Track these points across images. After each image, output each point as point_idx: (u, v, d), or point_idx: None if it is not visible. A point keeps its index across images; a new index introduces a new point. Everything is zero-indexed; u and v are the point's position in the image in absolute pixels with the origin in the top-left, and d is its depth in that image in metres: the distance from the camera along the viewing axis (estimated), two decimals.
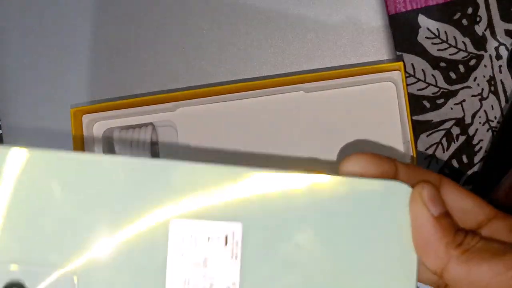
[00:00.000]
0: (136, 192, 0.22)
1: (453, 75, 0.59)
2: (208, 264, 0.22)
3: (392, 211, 0.23)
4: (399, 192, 0.23)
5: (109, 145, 0.43)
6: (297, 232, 0.23)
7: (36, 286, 0.20)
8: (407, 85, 0.58)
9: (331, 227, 0.23)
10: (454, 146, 0.59)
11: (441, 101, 0.59)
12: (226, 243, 0.22)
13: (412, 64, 0.59)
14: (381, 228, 0.23)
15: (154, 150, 0.42)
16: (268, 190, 0.23)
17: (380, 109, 0.40)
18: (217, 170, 0.23)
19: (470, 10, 0.59)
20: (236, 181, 0.22)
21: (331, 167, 0.32)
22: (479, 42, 0.59)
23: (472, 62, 0.59)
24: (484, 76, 0.59)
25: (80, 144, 0.41)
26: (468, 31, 0.59)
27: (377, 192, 0.23)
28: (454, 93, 0.59)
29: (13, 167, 0.21)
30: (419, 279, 0.24)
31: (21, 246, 0.21)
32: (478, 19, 0.59)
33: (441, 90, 0.59)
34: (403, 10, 0.58)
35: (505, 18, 0.59)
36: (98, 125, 0.41)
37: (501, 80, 0.59)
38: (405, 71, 0.56)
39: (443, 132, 0.59)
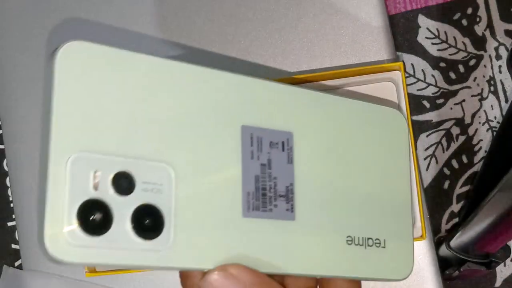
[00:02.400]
0: (216, 100, 0.25)
1: (453, 75, 0.59)
2: (272, 165, 0.26)
3: (391, 132, 0.29)
4: (397, 119, 0.29)
5: None
6: (331, 143, 0.27)
7: (141, 178, 0.22)
8: (407, 85, 0.58)
9: (353, 141, 0.28)
10: (454, 146, 0.59)
11: (441, 101, 0.59)
12: (283, 149, 0.26)
13: (412, 64, 0.59)
14: (383, 146, 0.29)
15: None
16: (311, 107, 0.27)
17: None
18: (276, 86, 0.27)
19: (470, 11, 0.59)
20: (289, 97, 0.27)
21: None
22: (479, 42, 0.59)
23: (472, 62, 0.59)
24: (484, 76, 0.59)
25: None
26: (468, 31, 0.59)
27: (381, 116, 0.29)
28: (454, 93, 0.59)
29: (108, 66, 0.23)
30: None
31: (127, 140, 0.22)
32: (478, 19, 0.59)
33: (441, 90, 0.59)
34: (403, 10, 0.58)
35: (504, 18, 0.59)
36: None
37: (500, 80, 0.59)
38: (405, 71, 0.56)
39: (443, 132, 0.59)
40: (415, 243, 0.35)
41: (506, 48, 0.59)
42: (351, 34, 0.40)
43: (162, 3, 0.41)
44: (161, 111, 0.23)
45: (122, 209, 0.22)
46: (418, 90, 0.59)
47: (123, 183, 0.22)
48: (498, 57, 0.59)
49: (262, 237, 0.25)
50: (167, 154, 0.23)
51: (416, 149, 0.54)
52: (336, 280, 0.27)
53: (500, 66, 0.59)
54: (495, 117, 0.59)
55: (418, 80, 0.59)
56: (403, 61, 0.47)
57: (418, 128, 0.59)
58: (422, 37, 0.58)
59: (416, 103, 0.59)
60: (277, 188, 0.26)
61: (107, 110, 0.22)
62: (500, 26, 0.59)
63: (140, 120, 0.23)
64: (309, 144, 0.27)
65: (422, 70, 0.59)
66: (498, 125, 0.59)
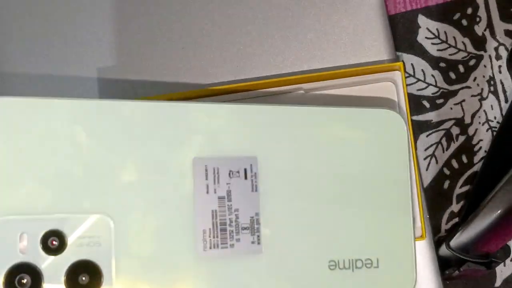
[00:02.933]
0: (157, 134, 0.23)
1: (452, 75, 0.59)
2: (232, 197, 0.24)
3: (386, 136, 0.27)
4: (390, 119, 0.27)
5: None
6: (306, 161, 0.25)
7: (74, 234, 0.21)
8: (407, 85, 0.58)
9: (336, 153, 0.25)
10: (453, 146, 0.59)
11: (440, 101, 0.59)
12: (246, 177, 0.24)
13: (412, 64, 0.59)
14: (378, 152, 0.26)
15: None
16: (277, 124, 0.25)
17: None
18: (229, 109, 0.24)
19: (469, 11, 0.59)
20: (248, 117, 0.25)
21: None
22: (479, 42, 0.59)
23: (472, 62, 0.59)
24: (483, 76, 0.59)
25: None
26: (467, 31, 0.59)
27: (371, 119, 0.26)
28: (453, 93, 0.59)
29: (30, 117, 0.21)
30: None
31: (55, 196, 0.21)
32: (477, 19, 0.59)
33: (441, 90, 0.59)
34: (403, 10, 0.58)
35: (504, 18, 0.59)
36: None
37: (500, 80, 0.59)
38: (405, 71, 0.56)
39: (442, 132, 0.59)
40: (415, 243, 0.35)
41: (506, 48, 0.59)
42: (351, 34, 0.40)
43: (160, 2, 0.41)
44: (93, 158, 0.22)
45: (55, 268, 0.21)
46: (418, 90, 0.59)
47: (53, 242, 0.21)
48: (498, 57, 0.59)
49: (224, 276, 0.23)
50: (102, 204, 0.22)
51: (416, 149, 0.54)
52: None
53: (500, 66, 0.59)
54: (495, 117, 0.59)
55: (418, 80, 0.59)
56: (403, 61, 0.47)
57: (418, 128, 0.59)
58: (422, 37, 0.58)
59: (416, 103, 0.59)
60: (239, 221, 0.24)
61: (32, 167, 0.21)
62: (500, 26, 0.59)
63: (69, 172, 0.22)
64: (279, 166, 0.25)
65: (422, 70, 0.59)
66: (498, 125, 0.59)
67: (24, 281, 0.20)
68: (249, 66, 0.40)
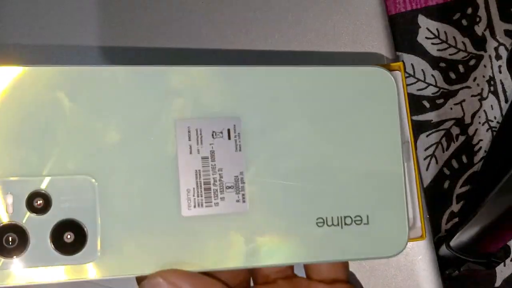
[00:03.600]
0: (139, 97, 0.24)
1: (452, 75, 0.59)
2: (216, 157, 0.24)
3: (374, 94, 0.26)
4: (380, 76, 0.27)
5: None
6: (291, 120, 0.25)
7: (59, 195, 0.22)
8: (407, 85, 0.58)
9: (323, 112, 0.26)
10: (454, 146, 0.59)
11: (440, 101, 0.59)
12: (229, 137, 0.24)
13: (412, 64, 0.59)
14: (367, 110, 0.26)
15: None
16: (261, 85, 0.25)
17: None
18: (211, 71, 0.25)
19: (469, 11, 0.59)
20: (231, 79, 0.25)
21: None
22: (479, 42, 0.59)
23: (472, 62, 0.59)
24: (483, 76, 0.59)
25: None
26: (468, 31, 0.59)
27: (360, 77, 0.26)
28: (453, 93, 0.59)
29: (16, 85, 0.22)
30: None
31: (40, 158, 0.22)
32: (477, 19, 0.59)
33: (441, 90, 0.59)
34: (403, 10, 0.58)
35: (504, 18, 0.59)
36: None
37: (500, 80, 0.59)
38: (405, 71, 0.56)
39: (442, 132, 0.59)
40: (415, 243, 0.35)
41: (506, 48, 0.59)
42: (351, 34, 0.40)
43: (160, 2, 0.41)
44: (77, 122, 0.23)
45: (40, 228, 0.22)
46: (418, 90, 0.59)
47: (38, 202, 0.22)
48: (498, 57, 0.59)
49: (209, 234, 0.23)
50: (86, 165, 0.23)
51: (416, 148, 0.54)
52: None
53: (500, 66, 0.59)
54: (495, 117, 0.59)
55: (418, 80, 0.59)
56: (403, 61, 0.47)
57: (418, 128, 0.59)
58: (422, 37, 0.58)
59: (416, 103, 0.59)
60: (224, 180, 0.24)
61: (17, 131, 0.22)
62: (500, 26, 0.59)
63: (53, 134, 0.23)
64: (263, 126, 0.25)
65: (422, 70, 0.59)
66: (498, 125, 0.59)
67: (10, 239, 0.21)
68: (249, 66, 0.40)
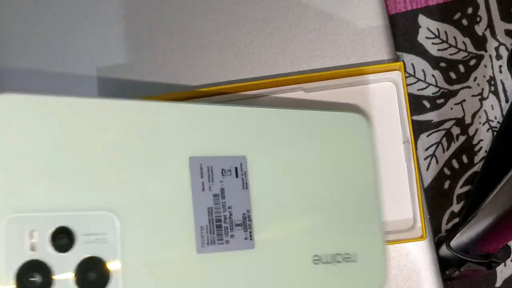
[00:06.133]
0: (156, 133, 0.24)
1: (453, 75, 0.59)
2: (225, 194, 0.24)
3: (353, 137, 0.28)
4: (355, 121, 0.29)
5: None
6: (288, 160, 0.26)
7: (82, 230, 0.22)
8: (407, 85, 0.58)
9: (312, 153, 0.27)
10: (454, 146, 0.59)
11: (441, 101, 0.59)
12: (237, 175, 0.25)
13: (412, 64, 0.59)
14: (347, 153, 0.28)
15: None
16: (264, 125, 0.26)
17: (380, 109, 0.40)
18: (219, 110, 0.26)
19: (470, 10, 0.59)
20: (237, 119, 0.26)
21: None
22: (479, 42, 0.59)
23: (472, 62, 0.59)
24: (484, 76, 0.59)
25: None
26: (468, 31, 0.59)
27: (339, 122, 0.28)
28: (454, 93, 0.59)
29: (37, 116, 0.22)
30: None
31: (62, 194, 0.22)
32: (478, 19, 0.59)
33: (441, 90, 0.59)
34: (403, 10, 0.58)
35: (505, 18, 0.59)
36: None
37: (501, 80, 0.59)
38: (405, 71, 0.56)
39: (443, 132, 0.59)
40: (416, 243, 0.35)
41: (507, 48, 0.59)
42: (351, 34, 0.40)
43: (162, 3, 0.41)
44: (98, 156, 0.22)
45: (64, 265, 0.21)
46: (418, 90, 0.59)
47: (62, 238, 0.21)
48: (499, 57, 0.59)
49: (221, 271, 0.24)
50: (108, 201, 0.22)
51: (416, 149, 0.54)
52: None
53: (500, 66, 0.59)
54: (496, 117, 0.59)
55: (418, 80, 0.59)
56: (403, 61, 0.47)
57: (418, 128, 0.59)
58: (422, 37, 0.58)
59: (416, 103, 0.59)
60: (233, 218, 0.24)
61: (39, 165, 0.22)
62: (500, 26, 0.59)
63: (76, 170, 0.22)
64: (265, 165, 0.25)
65: (422, 70, 0.59)
66: (498, 125, 0.59)
67: (35, 278, 0.21)
68: (249, 66, 0.40)
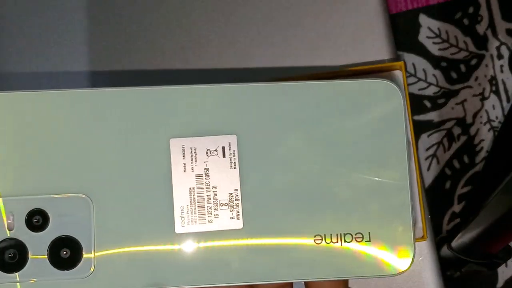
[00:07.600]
0: (135, 116, 0.25)
1: (454, 75, 0.59)
2: (210, 175, 0.25)
3: (377, 106, 0.26)
4: (382, 88, 0.26)
5: None
6: (289, 136, 0.25)
7: (56, 212, 0.23)
8: (408, 85, 0.58)
9: (321, 127, 0.25)
10: (455, 146, 0.59)
11: (442, 101, 0.59)
12: (224, 155, 0.25)
13: (413, 64, 0.59)
14: (366, 123, 0.26)
15: None
16: (257, 101, 0.25)
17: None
18: (206, 89, 0.26)
19: (471, 10, 0.59)
20: (226, 97, 0.25)
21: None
22: (480, 42, 0.59)
23: (473, 61, 0.59)
24: (485, 76, 0.59)
25: None
26: (469, 31, 0.59)
27: (360, 91, 0.26)
28: (455, 93, 0.59)
29: (16, 108, 0.24)
30: None
31: (38, 179, 0.24)
32: (479, 18, 0.59)
33: (442, 89, 0.59)
34: (404, 9, 0.58)
35: (506, 17, 0.59)
36: None
37: (502, 80, 0.59)
38: (406, 71, 0.56)
39: (444, 132, 0.59)
40: (416, 244, 0.34)
41: (508, 48, 0.59)
42: (352, 34, 0.40)
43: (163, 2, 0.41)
44: (73, 142, 0.24)
45: (38, 244, 0.23)
46: (419, 89, 0.59)
47: (37, 219, 0.23)
48: (500, 56, 0.59)
49: (203, 251, 0.24)
50: (82, 184, 0.24)
51: (417, 148, 0.54)
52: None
53: (501, 66, 0.59)
54: (497, 117, 0.59)
55: (419, 79, 0.59)
56: (404, 60, 0.47)
57: (419, 128, 0.59)
58: (423, 37, 0.58)
59: (417, 103, 0.59)
60: (218, 197, 0.25)
61: (17, 153, 0.24)
62: (501, 25, 0.59)
63: (51, 157, 0.24)
64: (260, 142, 0.25)
65: (423, 70, 0.59)
66: (499, 125, 0.59)
67: (12, 255, 0.23)
68: (249, 66, 0.40)
